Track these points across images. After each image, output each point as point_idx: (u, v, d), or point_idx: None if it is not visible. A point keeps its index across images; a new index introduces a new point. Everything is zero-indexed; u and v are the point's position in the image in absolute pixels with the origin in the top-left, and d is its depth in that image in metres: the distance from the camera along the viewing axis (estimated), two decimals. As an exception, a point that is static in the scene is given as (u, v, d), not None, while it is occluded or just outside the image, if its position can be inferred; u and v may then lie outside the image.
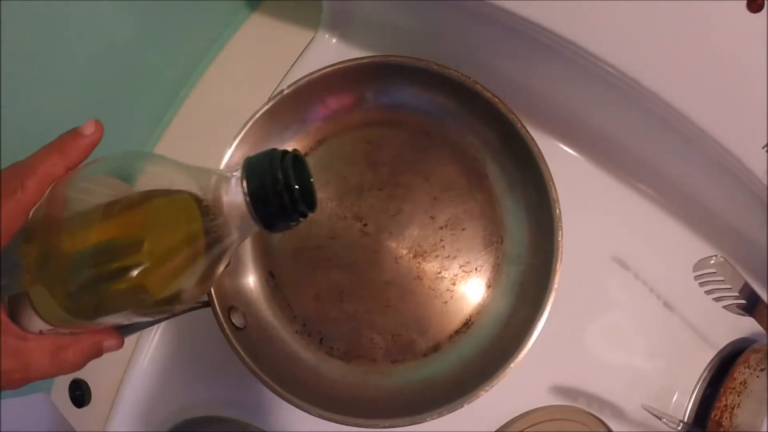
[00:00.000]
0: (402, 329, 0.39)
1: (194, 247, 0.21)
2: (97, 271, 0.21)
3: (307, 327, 0.39)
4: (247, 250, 0.39)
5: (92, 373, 0.45)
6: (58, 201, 0.22)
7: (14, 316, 0.22)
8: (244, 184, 0.20)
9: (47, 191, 0.23)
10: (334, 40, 0.44)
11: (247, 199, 0.20)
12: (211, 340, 0.35)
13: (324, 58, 0.40)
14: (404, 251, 0.39)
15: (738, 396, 0.38)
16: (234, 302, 0.37)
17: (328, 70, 0.37)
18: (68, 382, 0.45)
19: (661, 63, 0.31)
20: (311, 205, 0.21)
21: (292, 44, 0.45)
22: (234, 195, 0.20)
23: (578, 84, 0.37)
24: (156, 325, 0.42)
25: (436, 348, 0.39)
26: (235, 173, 0.21)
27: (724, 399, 0.39)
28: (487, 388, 0.34)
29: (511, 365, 0.34)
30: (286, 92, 0.37)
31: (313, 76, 0.37)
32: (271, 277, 0.39)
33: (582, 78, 0.35)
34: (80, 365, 0.24)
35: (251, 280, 0.39)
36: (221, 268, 0.23)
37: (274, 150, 0.21)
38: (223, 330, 0.34)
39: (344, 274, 0.39)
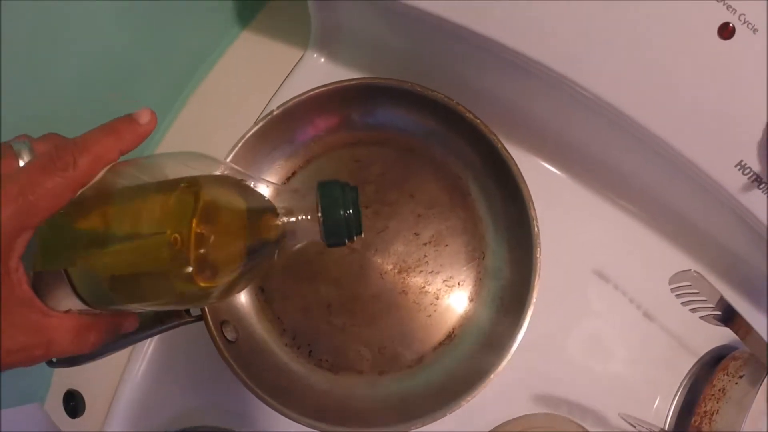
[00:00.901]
0: (388, 342, 0.39)
1: (253, 246, 0.23)
2: (152, 258, 0.22)
3: (297, 340, 0.40)
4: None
5: (86, 384, 0.45)
6: (111, 185, 0.22)
7: (38, 292, 0.22)
8: (319, 203, 0.24)
9: (99, 174, 0.22)
10: (322, 60, 0.45)
11: (321, 217, 0.24)
12: (204, 352, 0.36)
13: (312, 77, 0.42)
14: (390, 267, 0.40)
15: (717, 402, 0.39)
16: (226, 316, 0.37)
17: (317, 91, 0.38)
18: (62, 393, 0.45)
19: (637, 88, 0.33)
20: (360, 231, 0.25)
21: (282, 62, 0.46)
22: (307, 210, 0.24)
23: (560, 105, 0.38)
24: (150, 338, 0.43)
25: (420, 360, 0.39)
26: (302, 192, 0.24)
27: (703, 405, 0.40)
28: (469, 398, 0.34)
29: (492, 376, 0.35)
30: (275, 113, 0.37)
31: (302, 97, 0.38)
32: (261, 291, 0.40)
33: (564, 100, 0.36)
34: (98, 345, 0.24)
35: (242, 295, 0.40)
36: (262, 271, 0.25)
37: (343, 182, 0.25)
38: (215, 343, 0.35)
39: (332, 288, 0.40)
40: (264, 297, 0.40)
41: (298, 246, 0.25)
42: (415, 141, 0.41)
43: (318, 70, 0.45)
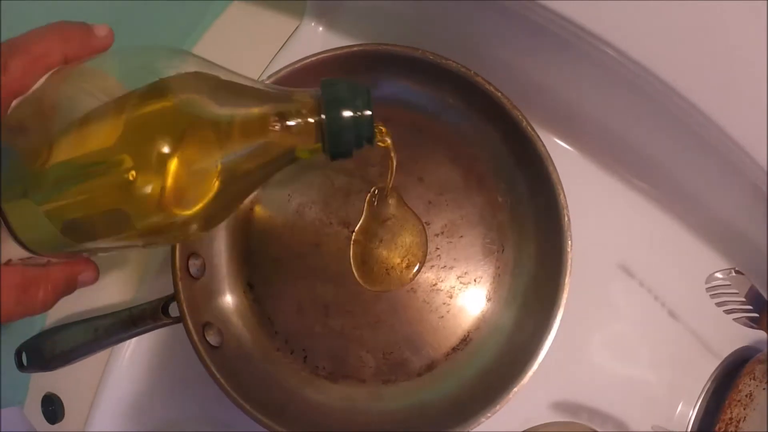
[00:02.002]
0: (394, 346, 0.36)
1: (233, 162, 0.20)
2: (109, 186, 0.18)
3: (290, 344, 0.37)
4: (223, 258, 0.37)
5: (65, 389, 0.43)
6: (52, 96, 0.19)
7: None
8: (325, 105, 0.20)
9: (39, 81, 0.19)
10: (320, 29, 0.42)
11: (324, 118, 0.20)
12: (187, 356, 0.33)
13: (310, 48, 0.38)
14: (397, 261, 0.37)
15: (744, 409, 0.38)
16: (209, 317, 0.34)
17: (313, 59, 0.34)
18: (40, 397, 0.43)
19: (674, 53, 0.29)
20: (372, 137, 0.22)
21: (276, 33, 0.43)
22: (306, 111, 0.20)
23: (583, 75, 0.35)
24: (128, 341, 0.40)
25: (431, 367, 0.36)
26: (310, 92, 0.21)
27: (728, 411, 0.38)
28: (489, 414, 0.31)
29: (515, 388, 0.32)
30: (267, 83, 0.34)
31: (297, 65, 0.34)
32: (249, 288, 0.37)
33: (587, 68, 0.33)
34: (51, 305, 0.21)
35: (228, 294, 0.37)
36: (247, 192, 0.22)
37: (351, 81, 0.21)
38: (196, 349, 0.32)
39: (330, 285, 0.37)
40: (253, 295, 0.37)
41: (291, 162, 0.21)
42: (425, 117, 0.38)
43: (316, 41, 0.42)
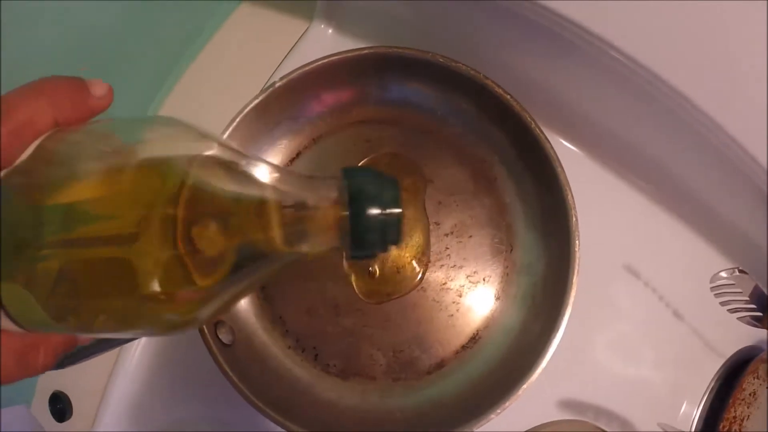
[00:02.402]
0: (404, 345, 0.36)
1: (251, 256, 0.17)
2: (113, 269, 0.16)
3: (301, 342, 0.36)
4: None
5: (73, 386, 0.43)
6: (46, 162, 0.17)
7: None
8: (348, 202, 0.17)
9: (27, 150, 0.17)
10: (330, 31, 0.42)
11: (350, 215, 0.17)
12: (197, 354, 0.33)
13: (319, 50, 0.38)
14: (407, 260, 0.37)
15: (747, 407, 0.38)
16: (221, 316, 0.34)
17: (324, 61, 0.34)
18: (48, 395, 0.43)
19: (676, 54, 0.29)
20: (399, 239, 0.19)
21: (285, 35, 0.43)
22: (328, 205, 0.17)
23: (586, 76, 0.35)
24: (137, 340, 0.40)
25: (440, 365, 0.36)
26: (329, 182, 0.18)
27: (732, 410, 0.38)
28: (499, 411, 0.31)
29: (524, 386, 0.32)
30: (278, 85, 0.34)
31: (308, 68, 0.34)
32: (261, 289, 0.37)
33: (591, 70, 0.33)
34: (52, 365, 0.19)
35: None
36: (254, 287, 0.19)
37: (378, 171, 0.18)
38: (209, 347, 0.32)
39: (341, 285, 0.37)
40: (264, 294, 0.37)
41: (303, 254, 0.18)
42: (434, 119, 0.38)
43: (325, 43, 0.42)
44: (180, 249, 0.16)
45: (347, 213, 0.17)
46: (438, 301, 0.37)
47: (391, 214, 0.17)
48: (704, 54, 0.28)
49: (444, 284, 0.37)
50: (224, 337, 0.33)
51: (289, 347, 0.36)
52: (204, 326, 0.32)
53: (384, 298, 0.36)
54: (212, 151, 0.17)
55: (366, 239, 0.17)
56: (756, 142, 0.29)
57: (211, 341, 0.32)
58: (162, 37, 0.43)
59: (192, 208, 0.16)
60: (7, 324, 0.17)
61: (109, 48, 0.38)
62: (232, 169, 0.18)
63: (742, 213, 0.37)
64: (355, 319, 0.36)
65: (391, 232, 0.18)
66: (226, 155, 0.18)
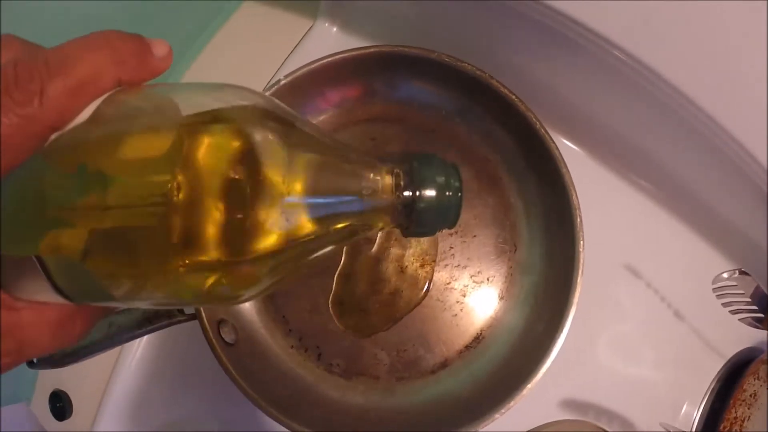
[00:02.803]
0: (407, 344, 0.36)
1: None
2: (156, 236, 0.15)
3: (304, 342, 0.36)
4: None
5: (73, 385, 0.43)
6: (103, 125, 0.15)
7: (2, 280, 0.16)
8: (417, 183, 0.18)
9: (84, 112, 0.15)
10: (334, 29, 0.42)
11: (418, 195, 0.18)
12: (200, 353, 0.33)
13: (324, 48, 0.38)
14: (411, 260, 0.37)
15: (748, 408, 0.38)
16: (224, 315, 0.34)
17: (329, 60, 0.34)
18: (48, 394, 0.43)
19: (678, 54, 0.29)
20: (457, 219, 0.20)
21: (289, 33, 0.43)
22: (393, 185, 0.18)
23: (589, 76, 0.35)
24: (139, 338, 0.39)
25: (444, 364, 0.36)
26: (389, 164, 0.19)
27: (733, 411, 0.38)
28: (503, 411, 0.31)
29: (529, 385, 0.31)
30: (282, 83, 0.34)
31: (313, 66, 0.34)
32: None
33: (595, 70, 0.33)
34: (86, 335, 0.19)
35: None
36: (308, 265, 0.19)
37: (443, 160, 0.19)
38: (211, 346, 0.32)
39: (345, 284, 0.36)
40: (267, 294, 0.36)
41: (358, 237, 0.19)
42: (439, 118, 0.37)
43: (330, 41, 0.42)
44: (240, 217, 0.15)
45: (411, 194, 0.18)
46: (442, 301, 0.36)
47: (452, 198, 0.19)
48: (706, 54, 0.29)
49: (448, 284, 0.37)
50: (227, 336, 0.33)
51: (292, 346, 0.36)
52: (207, 325, 0.32)
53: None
54: (280, 123, 0.17)
55: (430, 219, 0.19)
56: (756, 142, 0.30)
57: (214, 340, 0.31)
58: (165, 35, 0.42)
59: (256, 175, 0.15)
60: (50, 296, 0.17)
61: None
62: (298, 140, 0.17)
63: (742, 213, 0.38)
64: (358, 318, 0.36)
65: (451, 215, 0.19)
66: (302, 126, 0.18)
